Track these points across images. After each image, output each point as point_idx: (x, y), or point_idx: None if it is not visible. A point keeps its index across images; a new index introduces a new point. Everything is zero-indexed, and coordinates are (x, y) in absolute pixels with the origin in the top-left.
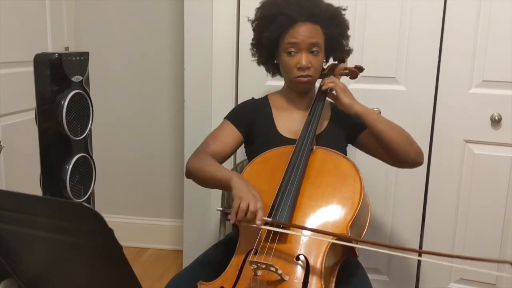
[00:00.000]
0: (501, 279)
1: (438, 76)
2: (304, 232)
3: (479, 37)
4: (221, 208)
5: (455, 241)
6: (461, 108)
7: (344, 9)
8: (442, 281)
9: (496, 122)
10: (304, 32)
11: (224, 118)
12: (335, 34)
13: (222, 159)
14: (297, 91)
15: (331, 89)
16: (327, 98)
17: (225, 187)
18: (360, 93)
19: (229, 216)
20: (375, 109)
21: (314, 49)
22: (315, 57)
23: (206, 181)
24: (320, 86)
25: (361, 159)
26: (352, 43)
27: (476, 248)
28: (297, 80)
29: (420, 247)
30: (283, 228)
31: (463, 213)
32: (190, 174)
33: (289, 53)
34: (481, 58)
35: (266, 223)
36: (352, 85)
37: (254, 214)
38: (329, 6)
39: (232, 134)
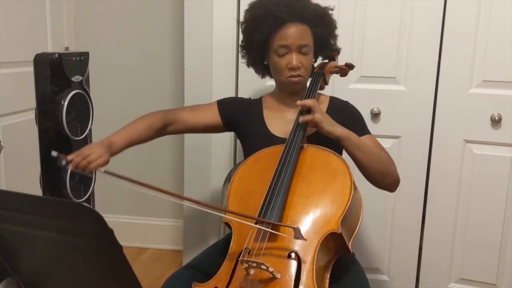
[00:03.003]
0: (501, 279)
1: (438, 76)
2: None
3: (479, 37)
4: (55, 153)
5: (455, 241)
6: (461, 108)
7: (332, 9)
8: (442, 281)
9: (496, 122)
10: (294, 33)
11: (216, 100)
12: (323, 34)
13: (184, 129)
14: (288, 91)
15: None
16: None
17: None
18: (360, 93)
19: (63, 162)
20: (375, 109)
21: (304, 49)
22: (305, 57)
23: None
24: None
25: None
26: (352, 43)
27: (476, 248)
28: (288, 81)
29: (420, 247)
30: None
31: (463, 213)
32: None
33: (280, 54)
34: (481, 58)
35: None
36: (352, 85)
37: (89, 163)
38: (317, 6)
39: (211, 115)
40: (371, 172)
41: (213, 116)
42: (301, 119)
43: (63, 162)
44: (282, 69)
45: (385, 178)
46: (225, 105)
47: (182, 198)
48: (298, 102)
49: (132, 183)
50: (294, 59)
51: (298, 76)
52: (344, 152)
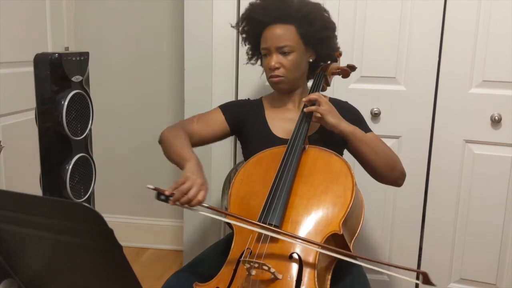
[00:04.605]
0: (501, 279)
1: (438, 76)
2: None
3: (479, 37)
4: (152, 187)
5: (455, 241)
6: (461, 108)
7: (322, 7)
8: (442, 281)
9: (496, 122)
10: (272, 35)
11: (218, 106)
12: (310, 33)
13: (199, 141)
14: (277, 91)
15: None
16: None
17: (181, 166)
18: (360, 93)
19: (161, 197)
20: (375, 109)
21: (284, 50)
22: (285, 57)
23: (170, 155)
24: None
25: None
26: (352, 43)
27: (476, 248)
28: (270, 81)
29: (420, 247)
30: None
31: (463, 213)
32: (161, 143)
33: (265, 55)
34: (481, 58)
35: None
36: (352, 85)
37: (189, 200)
38: (304, 5)
39: (218, 121)
40: (378, 166)
41: (221, 123)
42: (306, 108)
43: (162, 197)
44: (265, 70)
45: (392, 172)
46: (228, 110)
47: (288, 236)
48: (304, 99)
49: (236, 219)
50: (273, 59)
51: (277, 76)
52: (345, 153)
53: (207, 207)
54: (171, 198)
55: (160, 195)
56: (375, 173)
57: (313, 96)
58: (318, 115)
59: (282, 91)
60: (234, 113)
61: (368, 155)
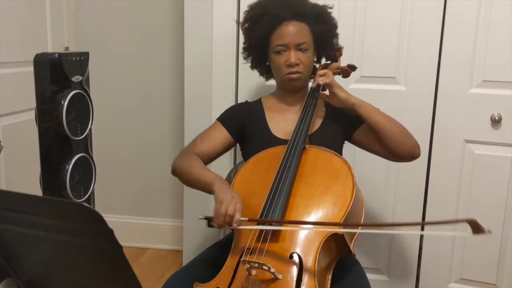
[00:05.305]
0: (501, 279)
1: (438, 76)
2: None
3: (479, 37)
4: (202, 217)
5: (455, 241)
6: (461, 108)
7: (331, 8)
8: (442, 281)
9: (496, 122)
10: (291, 31)
11: (216, 119)
12: (322, 32)
13: (208, 159)
14: (289, 89)
15: (325, 85)
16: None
17: (208, 191)
18: (360, 93)
19: (211, 224)
20: None
21: (302, 46)
22: (303, 54)
23: (190, 183)
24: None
25: (362, 159)
26: (352, 43)
27: (476, 248)
28: (287, 78)
29: (420, 247)
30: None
31: (463, 213)
32: (175, 173)
33: (278, 52)
34: (481, 58)
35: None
36: (352, 85)
37: (231, 218)
38: (315, 4)
39: (221, 135)
40: (394, 132)
41: (224, 137)
42: (317, 80)
43: (212, 224)
44: (281, 67)
45: (408, 138)
46: (228, 121)
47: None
48: (313, 84)
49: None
50: (292, 56)
51: (297, 72)
52: (345, 152)
53: (250, 222)
54: (215, 224)
55: (209, 222)
56: (392, 144)
57: (321, 72)
58: (329, 85)
59: (296, 88)
60: (234, 121)
61: (382, 123)
